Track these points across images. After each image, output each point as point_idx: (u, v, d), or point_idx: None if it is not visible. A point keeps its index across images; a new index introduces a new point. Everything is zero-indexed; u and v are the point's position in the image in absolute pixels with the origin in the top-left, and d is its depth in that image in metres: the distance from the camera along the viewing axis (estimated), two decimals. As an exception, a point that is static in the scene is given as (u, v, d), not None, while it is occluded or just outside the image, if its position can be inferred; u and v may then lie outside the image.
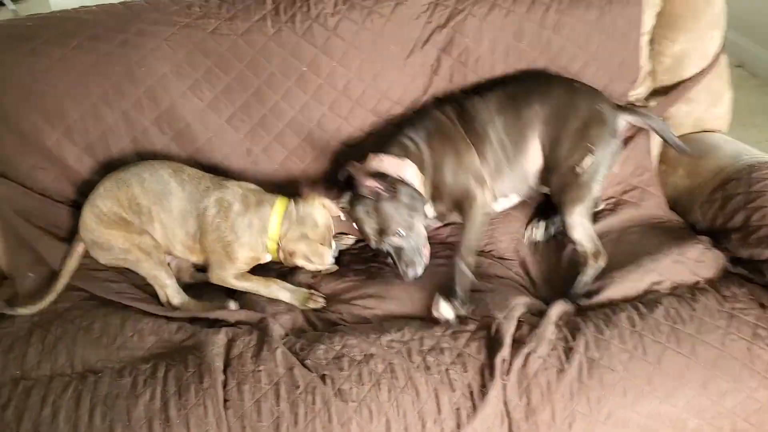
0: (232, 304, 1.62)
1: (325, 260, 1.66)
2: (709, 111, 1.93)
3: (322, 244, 1.65)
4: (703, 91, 1.89)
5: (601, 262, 1.62)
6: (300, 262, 1.65)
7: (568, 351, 1.43)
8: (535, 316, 1.51)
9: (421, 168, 1.67)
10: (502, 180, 1.71)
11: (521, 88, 1.73)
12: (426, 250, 1.64)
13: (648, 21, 1.84)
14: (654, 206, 1.84)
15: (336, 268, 1.74)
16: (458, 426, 1.37)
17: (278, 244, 1.63)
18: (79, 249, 1.67)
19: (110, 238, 1.61)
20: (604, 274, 1.60)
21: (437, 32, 1.77)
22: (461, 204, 1.67)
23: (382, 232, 1.60)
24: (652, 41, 1.88)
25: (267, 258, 1.68)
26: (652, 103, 1.90)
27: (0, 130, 1.67)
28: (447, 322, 1.53)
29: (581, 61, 1.80)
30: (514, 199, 1.77)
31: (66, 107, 1.66)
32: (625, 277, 1.58)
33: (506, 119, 1.69)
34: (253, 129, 1.76)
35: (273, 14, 1.70)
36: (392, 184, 1.59)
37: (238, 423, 1.34)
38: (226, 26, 1.69)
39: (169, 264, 1.69)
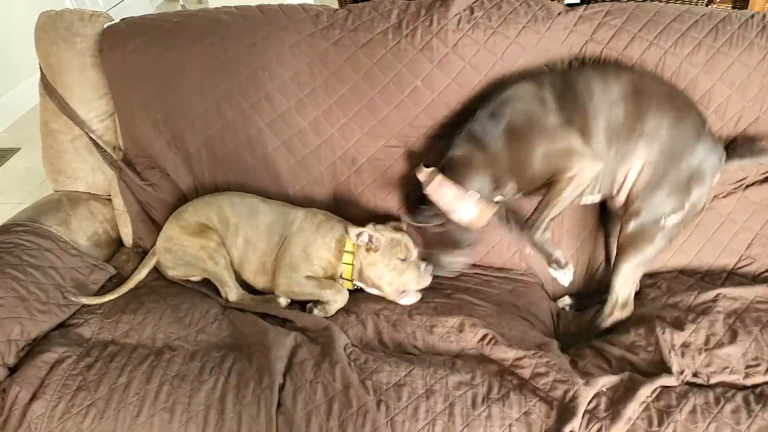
0: (283, 300, 1.66)
1: (411, 272, 1.62)
2: None
3: (402, 263, 1.62)
4: None
5: (625, 313, 1.57)
6: (382, 284, 1.63)
7: (650, 436, 1.26)
8: (627, 390, 1.34)
9: (495, 168, 1.53)
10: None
11: (654, 91, 1.52)
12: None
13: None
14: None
15: (418, 297, 1.66)
16: (511, 488, 1.27)
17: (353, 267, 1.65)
18: (151, 262, 1.78)
19: (187, 245, 1.69)
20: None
21: (565, 61, 1.65)
22: (556, 176, 1.49)
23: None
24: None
25: (341, 281, 1.69)
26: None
27: (140, 116, 1.82)
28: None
29: (737, 105, 1.59)
30: (597, 198, 1.60)
31: (193, 101, 1.77)
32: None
33: (626, 112, 1.49)
34: (361, 139, 1.76)
35: (395, 27, 1.68)
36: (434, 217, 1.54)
37: (287, 429, 1.34)
38: (349, 38, 1.70)
39: None
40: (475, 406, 1.34)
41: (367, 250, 1.63)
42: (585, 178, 1.48)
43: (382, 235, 1.62)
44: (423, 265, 1.63)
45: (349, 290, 1.68)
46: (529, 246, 1.55)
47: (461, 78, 1.67)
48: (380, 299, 1.65)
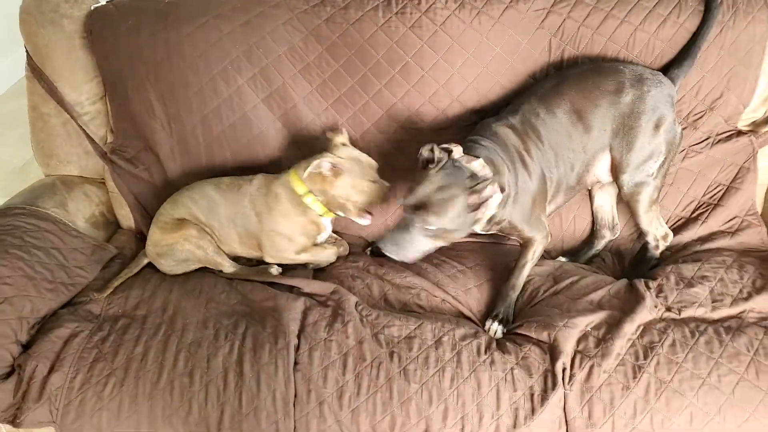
0: (275, 269, 1.76)
1: (370, 191, 1.66)
2: (827, 143, 1.81)
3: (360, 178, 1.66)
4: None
5: (669, 241, 1.74)
6: (349, 196, 1.66)
7: (638, 369, 1.41)
8: (611, 326, 1.49)
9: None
10: (560, 195, 1.68)
11: (588, 93, 1.63)
12: (417, 254, 1.49)
13: (774, 40, 1.74)
14: (754, 235, 1.77)
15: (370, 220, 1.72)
16: (515, 425, 1.39)
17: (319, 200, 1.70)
18: (142, 262, 1.81)
19: (172, 242, 1.73)
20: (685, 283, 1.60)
21: (545, 39, 1.77)
22: (523, 239, 1.64)
23: (418, 206, 1.43)
24: (775, 63, 1.79)
25: (325, 223, 1.76)
26: (767, 128, 1.80)
27: (133, 98, 1.84)
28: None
29: (697, 75, 1.75)
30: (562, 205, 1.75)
31: (189, 79, 1.80)
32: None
33: (575, 131, 1.63)
34: (354, 114, 1.84)
35: (385, 5, 1.76)
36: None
37: (305, 386, 1.42)
38: (340, 15, 1.77)
39: None
40: (480, 354, 1.46)
41: (335, 175, 1.64)
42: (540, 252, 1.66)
43: (341, 158, 1.65)
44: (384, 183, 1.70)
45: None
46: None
47: (449, 55, 1.77)
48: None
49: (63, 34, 1.82)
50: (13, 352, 1.46)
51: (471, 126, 1.75)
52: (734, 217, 1.80)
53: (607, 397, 1.39)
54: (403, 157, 1.82)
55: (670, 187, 1.82)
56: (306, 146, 1.85)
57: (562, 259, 1.85)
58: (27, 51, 1.86)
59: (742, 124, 1.82)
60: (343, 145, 1.71)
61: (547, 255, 1.86)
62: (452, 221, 1.42)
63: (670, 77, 1.68)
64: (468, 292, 1.68)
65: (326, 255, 1.78)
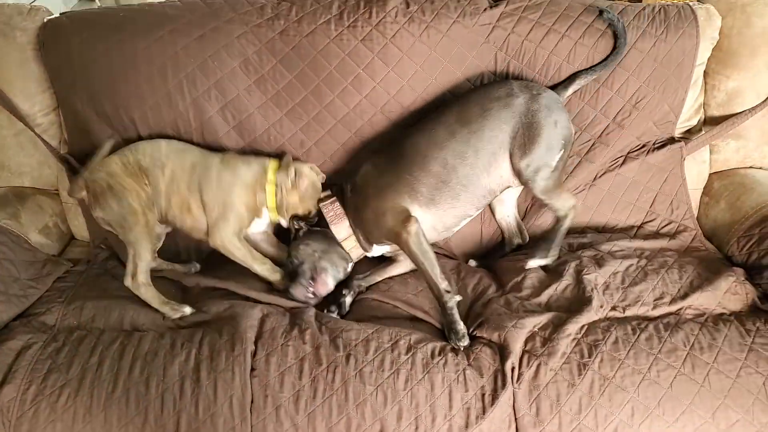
0: (187, 309, 1.66)
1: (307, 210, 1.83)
2: (758, 149, 1.94)
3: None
4: (754, 129, 1.90)
5: (578, 209, 1.81)
6: (289, 211, 1.80)
7: (582, 366, 1.47)
8: (556, 326, 1.55)
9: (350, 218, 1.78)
10: (457, 204, 1.74)
11: (476, 103, 1.72)
12: (319, 289, 1.72)
13: (704, 53, 1.87)
14: (689, 238, 1.87)
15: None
16: (467, 425, 1.43)
17: (278, 196, 1.78)
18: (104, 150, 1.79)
19: (127, 188, 1.70)
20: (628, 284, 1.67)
21: (491, 53, 1.85)
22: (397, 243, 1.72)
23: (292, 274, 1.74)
24: (706, 74, 1.91)
25: (265, 215, 1.82)
26: (701, 133, 1.91)
27: (87, 110, 1.85)
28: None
29: (634, 86, 1.85)
30: (474, 213, 1.81)
31: (145, 93, 1.82)
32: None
33: (461, 145, 1.70)
34: (308, 123, 1.88)
35: (337, 18, 1.82)
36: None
37: (261, 392, 1.44)
38: (293, 28, 1.82)
39: None
40: (434, 356, 1.50)
41: (293, 186, 1.78)
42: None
43: (306, 176, 1.82)
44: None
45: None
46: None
47: (399, 68, 1.84)
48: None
49: (15, 46, 1.82)
50: (-37, 364, 1.44)
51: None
52: (669, 222, 1.90)
53: (553, 394, 1.44)
54: (355, 161, 1.90)
55: (606, 192, 1.92)
56: (262, 155, 1.89)
57: (472, 262, 1.92)
58: (-23, 63, 1.85)
59: (679, 133, 1.93)
60: (311, 168, 1.86)
61: (456, 258, 1.95)
62: (320, 261, 1.74)
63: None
64: (420, 294, 1.73)
65: (261, 267, 1.76)
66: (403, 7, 1.83)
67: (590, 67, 1.82)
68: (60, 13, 1.89)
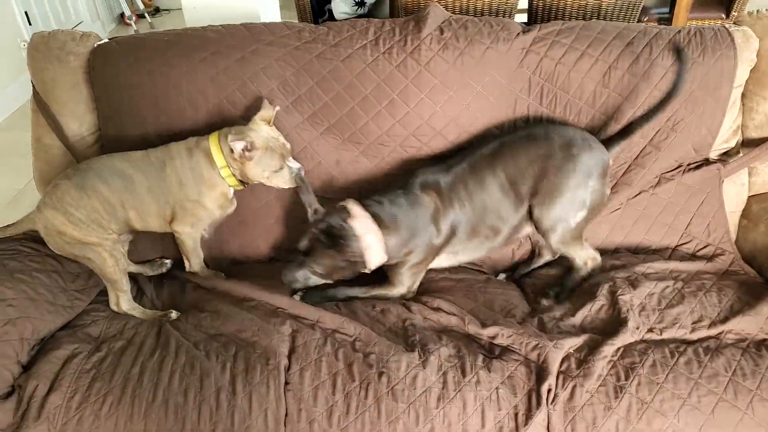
0: (173, 314, 1.74)
1: (284, 175, 1.75)
2: (797, 172, 1.90)
3: (279, 154, 1.72)
4: (792, 152, 1.87)
5: (598, 261, 1.82)
6: (259, 177, 1.74)
7: (619, 389, 1.45)
8: (591, 349, 1.54)
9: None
10: (474, 248, 1.81)
11: (518, 164, 1.74)
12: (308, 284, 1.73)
13: (742, 75, 1.85)
14: (727, 262, 1.84)
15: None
16: (500, 444, 1.43)
17: (230, 168, 1.73)
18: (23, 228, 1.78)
19: (85, 240, 1.70)
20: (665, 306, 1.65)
21: (525, 77, 1.87)
22: (390, 281, 1.80)
23: (306, 251, 1.68)
24: (744, 96, 1.89)
25: (230, 191, 1.81)
26: (739, 155, 1.89)
27: (128, 127, 1.92)
28: None
29: (672, 108, 1.84)
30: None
31: (187, 113, 1.89)
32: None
33: (505, 201, 1.75)
34: (343, 143, 1.92)
35: (373, 44, 1.87)
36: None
37: (296, 405, 1.46)
38: (331, 52, 1.87)
39: None
40: (465, 374, 1.50)
41: (242, 160, 1.69)
42: None
43: (257, 140, 1.68)
44: (294, 166, 1.76)
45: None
46: None
47: (433, 93, 1.87)
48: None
49: (68, 69, 1.91)
50: (14, 372, 1.50)
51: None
52: (707, 245, 1.88)
53: (589, 417, 1.42)
54: (388, 181, 1.91)
55: (641, 213, 1.91)
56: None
57: (502, 276, 1.93)
58: (33, 85, 1.95)
59: (715, 155, 1.91)
60: (266, 123, 1.75)
61: (486, 272, 1.97)
62: (331, 268, 1.68)
63: (609, 142, 1.79)
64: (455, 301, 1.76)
65: (197, 261, 1.84)
66: (437, 34, 1.87)
67: (646, 114, 1.81)
68: (109, 38, 1.98)
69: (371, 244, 1.65)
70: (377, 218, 1.67)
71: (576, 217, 1.73)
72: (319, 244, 1.65)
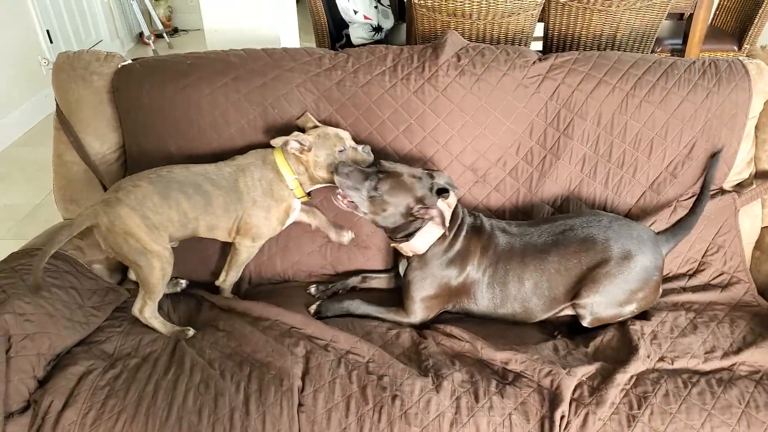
0: (191, 332, 1.74)
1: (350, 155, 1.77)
2: (810, 204, 1.91)
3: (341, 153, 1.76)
4: (806, 183, 1.88)
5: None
6: (325, 168, 1.76)
7: (632, 418, 1.45)
8: (604, 377, 1.54)
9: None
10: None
11: (570, 265, 1.71)
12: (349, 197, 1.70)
13: (756, 107, 1.88)
14: (742, 291, 1.83)
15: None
16: (512, 470, 1.42)
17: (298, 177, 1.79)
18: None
19: (149, 247, 1.69)
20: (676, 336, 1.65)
21: (542, 102, 1.90)
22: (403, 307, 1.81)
23: (385, 171, 1.68)
24: (757, 128, 1.91)
25: (296, 205, 1.85)
26: (753, 186, 1.90)
27: (150, 147, 1.96)
28: None
29: (687, 136, 1.87)
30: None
31: (209, 137, 1.93)
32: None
33: (539, 296, 1.74)
34: (361, 168, 1.95)
35: (391, 71, 1.91)
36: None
37: (309, 427, 1.46)
38: (350, 78, 1.91)
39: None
40: (478, 399, 1.50)
41: (301, 153, 1.75)
42: None
43: (308, 134, 1.76)
44: (360, 147, 1.79)
45: None
46: None
47: (449, 119, 1.91)
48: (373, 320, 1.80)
49: (92, 89, 1.95)
50: (30, 387, 1.51)
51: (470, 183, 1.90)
52: (722, 273, 1.88)
53: (602, 445, 1.43)
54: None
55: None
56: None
57: None
58: (57, 103, 1.99)
59: (729, 185, 1.93)
60: (314, 126, 1.83)
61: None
62: (393, 204, 1.67)
63: (664, 238, 1.79)
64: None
65: (236, 273, 1.88)
66: (455, 61, 1.90)
67: (688, 218, 1.83)
68: (132, 60, 2.03)
69: (432, 230, 1.71)
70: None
71: (620, 317, 1.72)
72: (405, 176, 1.67)
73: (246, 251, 1.85)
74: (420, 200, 1.68)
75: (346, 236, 1.93)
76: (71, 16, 5.03)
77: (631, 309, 1.70)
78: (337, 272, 2.00)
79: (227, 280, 1.90)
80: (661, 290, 1.75)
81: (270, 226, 1.83)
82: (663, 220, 1.88)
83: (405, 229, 1.74)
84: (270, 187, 1.79)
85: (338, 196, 1.72)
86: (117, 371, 1.58)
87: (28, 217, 3.34)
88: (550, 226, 1.76)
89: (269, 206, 1.79)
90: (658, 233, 1.79)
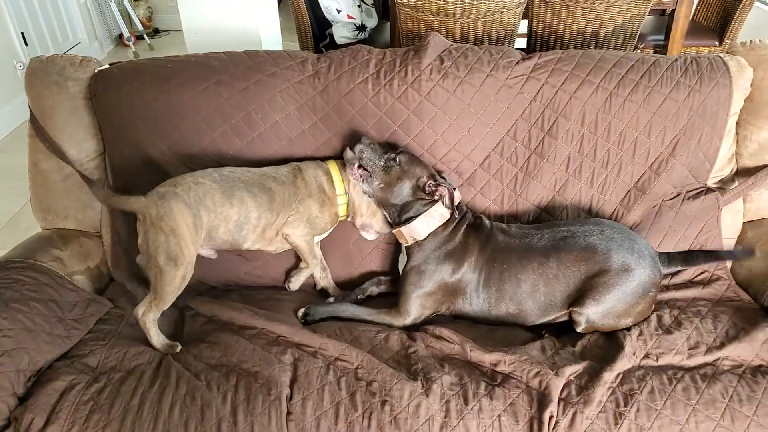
0: (178, 348, 1.70)
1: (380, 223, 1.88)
2: (793, 199, 1.93)
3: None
4: (787, 179, 1.89)
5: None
6: (359, 209, 1.86)
7: (619, 416, 1.46)
8: (591, 376, 1.55)
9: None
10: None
11: (568, 273, 1.71)
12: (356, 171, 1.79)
13: (737, 103, 1.89)
14: (723, 287, 1.86)
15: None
16: (503, 473, 1.42)
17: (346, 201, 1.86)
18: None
19: (188, 245, 1.65)
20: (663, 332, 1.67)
21: (525, 102, 1.90)
22: (397, 305, 1.82)
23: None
24: (738, 125, 1.93)
25: (340, 216, 1.90)
26: (734, 184, 1.92)
27: (131, 153, 1.93)
28: None
29: (671, 134, 1.88)
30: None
31: (191, 141, 1.89)
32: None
33: (535, 298, 1.74)
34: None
35: (374, 77, 1.89)
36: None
37: (298, 435, 1.45)
38: (333, 86, 1.89)
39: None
40: (468, 402, 1.50)
41: (356, 180, 1.81)
42: None
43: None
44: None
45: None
46: None
47: (433, 123, 1.90)
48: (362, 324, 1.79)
49: (67, 95, 1.91)
50: (9, 404, 1.47)
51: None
52: (703, 272, 1.90)
53: (590, 444, 1.43)
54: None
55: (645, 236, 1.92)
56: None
57: None
58: (31, 110, 1.95)
59: (712, 182, 1.94)
60: None
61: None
62: (408, 175, 1.77)
63: (662, 258, 1.80)
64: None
65: (314, 261, 1.89)
66: (438, 64, 1.90)
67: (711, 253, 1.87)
68: (110, 64, 1.99)
69: (435, 215, 1.76)
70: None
71: (616, 328, 1.71)
72: (413, 158, 1.80)
73: (301, 239, 1.82)
74: (432, 177, 1.76)
75: (325, 280, 1.98)
76: (47, 18, 4.93)
77: (626, 322, 1.70)
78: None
79: (310, 265, 1.89)
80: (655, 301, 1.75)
81: (322, 220, 1.84)
82: (648, 219, 1.89)
83: (409, 210, 1.76)
84: (323, 187, 1.84)
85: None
86: (101, 385, 1.55)
87: (7, 227, 3.28)
88: (552, 231, 1.76)
89: (323, 201, 1.83)
90: (661, 253, 1.81)
